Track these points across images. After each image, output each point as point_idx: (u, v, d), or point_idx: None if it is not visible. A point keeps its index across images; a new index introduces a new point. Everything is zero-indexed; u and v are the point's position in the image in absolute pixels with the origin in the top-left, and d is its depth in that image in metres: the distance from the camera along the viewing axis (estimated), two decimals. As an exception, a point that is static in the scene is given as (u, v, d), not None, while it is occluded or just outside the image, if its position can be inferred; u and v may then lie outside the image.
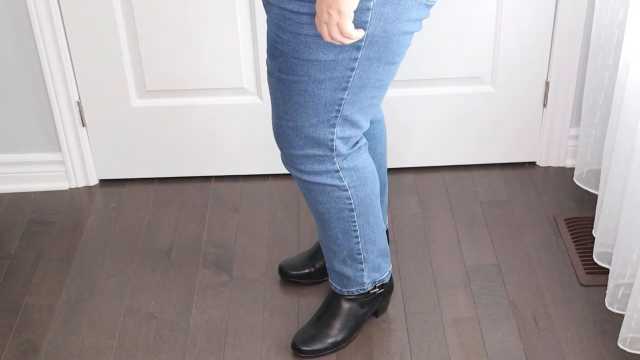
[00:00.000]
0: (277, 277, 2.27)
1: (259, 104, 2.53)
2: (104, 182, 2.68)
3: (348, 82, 1.67)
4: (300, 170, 1.82)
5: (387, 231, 2.24)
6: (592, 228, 2.33)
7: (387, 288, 2.10)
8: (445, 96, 2.56)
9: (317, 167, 1.80)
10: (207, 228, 2.46)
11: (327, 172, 1.81)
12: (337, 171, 1.81)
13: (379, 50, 1.64)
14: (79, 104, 2.53)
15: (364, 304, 2.06)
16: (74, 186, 2.66)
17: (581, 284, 2.21)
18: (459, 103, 2.57)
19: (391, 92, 2.54)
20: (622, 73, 2.04)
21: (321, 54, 1.62)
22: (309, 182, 1.83)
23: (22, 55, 2.44)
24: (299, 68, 1.65)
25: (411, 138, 2.62)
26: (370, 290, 2.05)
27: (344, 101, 1.70)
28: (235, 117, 2.55)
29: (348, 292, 2.03)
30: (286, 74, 1.67)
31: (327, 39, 1.56)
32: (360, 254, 1.97)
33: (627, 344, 1.95)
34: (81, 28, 2.40)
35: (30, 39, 2.41)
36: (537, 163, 2.69)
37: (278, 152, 2.60)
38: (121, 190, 2.64)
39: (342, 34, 1.54)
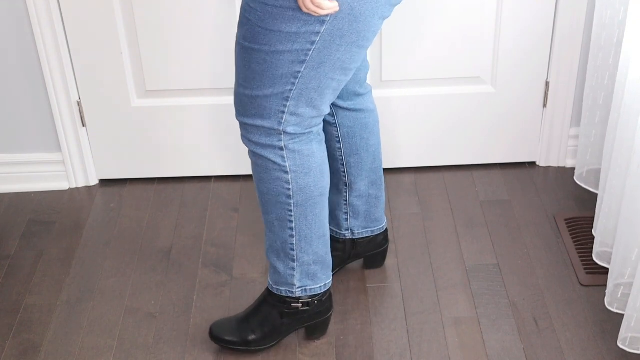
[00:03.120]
0: (277, 277, 2.27)
1: (259, 104, 2.53)
2: (104, 182, 2.69)
3: (307, 55, 1.69)
4: (249, 140, 1.84)
5: (386, 230, 2.24)
6: (592, 228, 2.33)
7: (320, 307, 2.02)
8: (445, 96, 2.56)
9: (263, 139, 1.81)
10: (207, 228, 2.46)
11: (272, 147, 1.82)
12: (282, 149, 1.82)
13: (343, 27, 1.66)
14: (79, 104, 2.53)
15: (284, 315, 2.00)
16: (74, 186, 2.66)
17: (581, 284, 2.21)
18: (459, 103, 2.57)
19: (391, 92, 2.54)
20: (622, 73, 2.04)
21: (285, 26, 1.65)
22: (255, 154, 1.85)
23: (22, 55, 2.44)
24: (262, 37, 1.68)
25: (411, 138, 2.62)
26: (299, 297, 1.99)
27: (300, 75, 1.72)
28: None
29: (277, 290, 1.99)
30: (249, 41, 1.71)
31: (303, 9, 1.60)
32: (294, 250, 1.94)
33: (627, 344, 1.95)
34: (81, 28, 2.40)
35: (30, 39, 2.41)
36: (537, 163, 2.69)
37: (278, 152, 2.60)
38: (121, 190, 2.65)
39: (313, 3, 1.58)
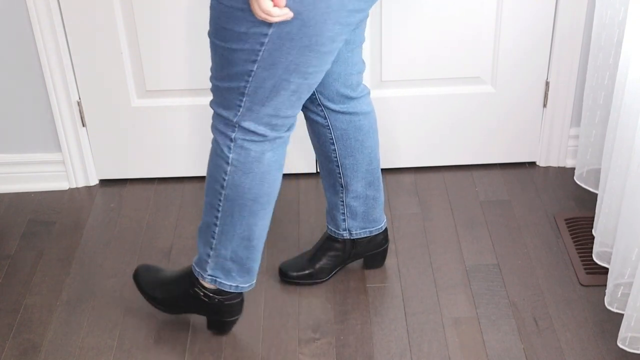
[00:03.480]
0: (277, 277, 2.27)
1: (259, 104, 2.53)
2: (104, 182, 2.69)
3: (257, 55, 1.72)
4: (213, 125, 1.89)
5: (386, 230, 2.24)
6: (592, 228, 2.33)
7: (223, 307, 2.05)
8: (445, 96, 2.56)
9: (221, 127, 1.86)
10: (207, 228, 2.46)
11: (225, 136, 1.86)
12: (231, 140, 1.85)
13: (292, 31, 1.67)
14: (79, 104, 2.53)
15: (187, 293, 2.06)
16: (74, 186, 2.67)
17: (581, 284, 2.21)
18: (459, 103, 2.57)
19: (391, 92, 2.54)
20: (622, 73, 2.04)
21: (235, 25, 1.69)
22: (214, 136, 1.89)
23: (22, 55, 2.44)
24: (219, 33, 1.73)
25: (411, 138, 2.62)
26: (206, 286, 2.02)
27: (253, 73, 1.74)
28: (235, 117, 2.55)
29: (193, 267, 2.03)
30: (212, 36, 1.77)
31: (255, 14, 1.64)
32: (214, 239, 1.96)
33: (627, 343, 1.95)
34: (81, 28, 2.40)
35: (30, 39, 2.41)
36: (537, 163, 2.69)
37: (278, 152, 2.60)
38: (121, 190, 2.65)
39: (262, 10, 1.61)
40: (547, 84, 2.54)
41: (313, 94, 1.99)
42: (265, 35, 1.68)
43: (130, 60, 2.47)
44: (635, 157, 1.87)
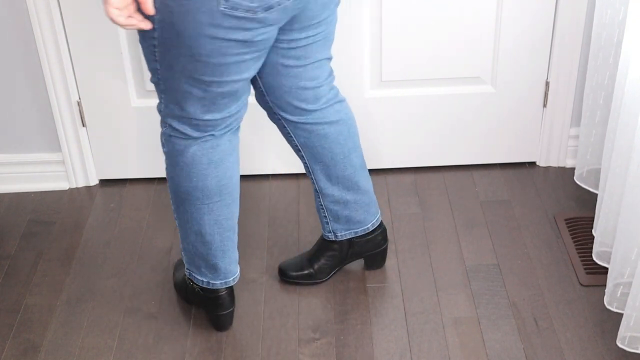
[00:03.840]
0: (277, 277, 2.27)
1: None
2: (104, 182, 2.69)
3: (155, 55, 1.75)
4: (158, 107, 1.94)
5: (384, 230, 2.23)
6: (592, 228, 2.33)
7: (205, 299, 2.09)
8: (445, 96, 2.56)
9: (160, 119, 1.93)
10: (207, 228, 2.46)
11: (161, 127, 1.92)
12: (163, 134, 1.92)
13: (171, 38, 1.69)
14: (79, 104, 2.53)
15: (185, 279, 2.15)
16: (74, 186, 2.67)
17: (581, 284, 2.21)
18: (459, 103, 2.57)
19: (391, 92, 2.54)
20: (622, 73, 2.04)
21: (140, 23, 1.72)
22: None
23: (23, 55, 2.44)
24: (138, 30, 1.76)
25: (411, 138, 2.62)
26: (188, 277, 2.11)
27: (159, 71, 1.78)
28: (235, 117, 2.55)
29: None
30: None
31: None
32: (179, 233, 2.04)
33: (626, 343, 1.95)
34: (81, 28, 2.40)
35: (30, 39, 2.41)
36: (537, 163, 2.69)
37: (278, 152, 2.60)
38: (121, 190, 2.65)
39: (106, 12, 1.65)
40: (547, 84, 2.54)
41: (267, 102, 1.99)
42: (154, 38, 1.71)
43: (130, 60, 2.47)
44: (635, 157, 1.87)
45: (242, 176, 2.67)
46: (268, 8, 1.67)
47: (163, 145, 1.93)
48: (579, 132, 2.46)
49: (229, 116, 1.87)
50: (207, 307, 2.09)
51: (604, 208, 2.14)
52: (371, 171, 2.66)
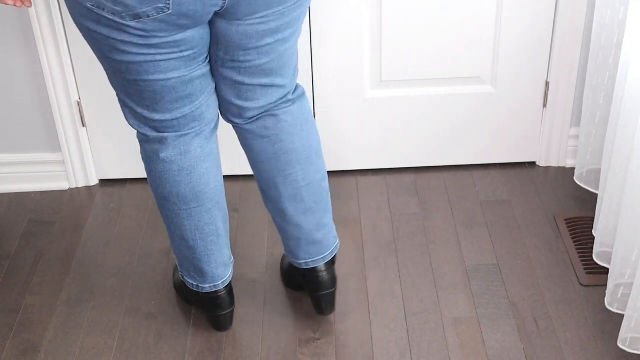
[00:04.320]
0: (277, 277, 2.27)
1: (259, 104, 2.53)
2: (104, 182, 2.69)
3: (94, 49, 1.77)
4: None
5: (327, 274, 2.06)
6: (592, 228, 2.33)
7: (200, 300, 2.08)
8: (445, 96, 2.56)
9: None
10: (207, 228, 2.46)
11: (132, 127, 1.92)
12: (137, 137, 1.93)
13: (80, 32, 1.73)
14: (79, 104, 2.53)
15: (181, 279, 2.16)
16: (74, 186, 2.67)
17: (581, 284, 2.21)
18: (459, 103, 2.57)
19: (391, 92, 2.54)
20: (622, 72, 2.04)
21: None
22: None
23: (22, 55, 2.44)
24: None
25: (411, 138, 2.62)
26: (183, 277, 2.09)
27: (106, 67, 1.80)
28: (235, 117, 2.55)
29: None
30: None
31: None
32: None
33: (627, 344, 1.95)
34: (81, 28, 2.40)
35: (30, 39, 2.41)
36: (537, 163, 2.69)
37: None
38: (121, 190, 2.65)
39: None
40: (547, 84, 2.54)
41: None
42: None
43: (130, 60, 2.47)
44: (635, 158, 1.87)
45: (241, 176, 2.67)
46: (135, 17, 1.62)
47: (140, 152, 1.94)
48: (579, 132, 2.46)
49: (183, 117, 1.83)
50: (206, 307, 2.08)
51: (604, 208, 2.14)
52: (371, 171, 2.66)
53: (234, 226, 2.46)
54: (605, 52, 2.22)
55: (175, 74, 1.75)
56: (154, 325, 2.14)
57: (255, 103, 1.88)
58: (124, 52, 1.70)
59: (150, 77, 1.75)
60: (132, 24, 1.63)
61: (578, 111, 2.57)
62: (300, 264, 2.06)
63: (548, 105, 2.57)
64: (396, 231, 2.42)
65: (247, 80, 1.83)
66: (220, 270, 2.01)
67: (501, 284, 2.23)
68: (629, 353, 1.99)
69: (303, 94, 1.96)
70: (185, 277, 2.06)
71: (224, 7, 1.66)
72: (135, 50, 1.69)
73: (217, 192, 1.94)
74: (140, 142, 1.91)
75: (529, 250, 2.33)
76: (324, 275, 2.05)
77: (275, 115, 1.91)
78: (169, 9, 1.61)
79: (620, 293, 2.03)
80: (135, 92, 1.79)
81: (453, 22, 2.43)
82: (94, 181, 2.68)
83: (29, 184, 2.65)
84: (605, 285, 2.17)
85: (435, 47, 2.47)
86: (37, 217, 2.55)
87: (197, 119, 1.85)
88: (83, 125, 2.57)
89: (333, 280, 2.06)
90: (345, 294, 2.21)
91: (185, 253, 1.99)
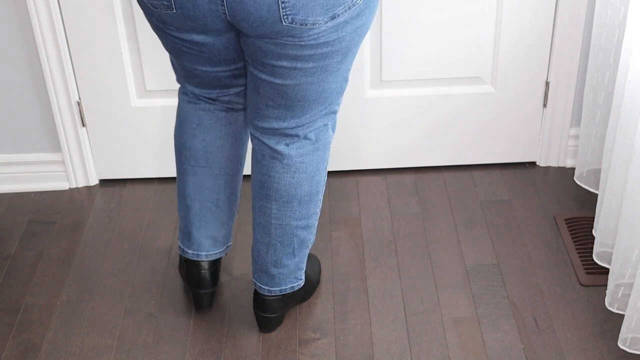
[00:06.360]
0: (277, 277, 2.27)
1: (259, 104, 2.53)
2: (104, 182, 2.69)
3: None
4: None
5: (276, 301, 2.06)
6: (592, 228, 2.33)
7: (185, 268, 2.15)
8: (445, 96, 2.56)
9: None
10: (207, 228, 2.46)
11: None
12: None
13: None
14: (79, 104, 2.53)
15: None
16: (74, 186, 2.67)
17: (581, 284, 2.21)
18: (459, 103, 2.57)
19: (391, 92, 2.54)
20: (622, 72, 2.04)
21: None
22: None
23: (22, 55, 2.44)
24: None
25: (411, 138, 2.62)
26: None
27: None
28: (235, 117, 2.55)
29: None
30: None
31: None
32: None
33: (627, 344, 1.95)
34: (81, 28, 2.40)
35: (30, 39, 2.41)
36: (537, 163, 2.69)
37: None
38: (121, 190, 2.65)
39: None
40: (547, 84, 2.54)
41: None
42: None
43: (130, 60, 2.47)
44: (635, 158, 1.87)
45: (244, 176, 2.67)
46: (153, 6, 1.68)
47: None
48: (579, 132, 2.46)
49: (214, 96, 1.91)
50: (189, 281, 2.12)
51: (604, 208, 2.14)
52: (371, 171, 2.66)
53: (234, 226, 2.46)
54: (605, 52, 2.22)
55: (199, 67, 1.81)
56: (154, 325, 2.14)
57: (262, 121, 1.86)
58: (156, 28, 1.78)
59: (178, 60, 1.83)
60: (155, 11, 1.70)
61: (578, 111, 2.57)
62: (253, 280, 2.06)
63: (548, 105, 2.57)
64: (396, 231, 2.42)
65: (263, 91, 1.79)
66: (207, 242, 2.04)
67: (501, 284, 2.23)
68: (629, 353, 1.99)
69: (318, 147, 1.89)
70: (178, 238, 2.12)
71: (227, 19, 1.65)
72: (161, 34, 1.78)
73: (229, 163, 1.97)
74: (179, 90, 2.00)
75: (529, 250, 2.33)
76: (268, 301, 2.05)
77: (272, 149, 1.88)
78: (173, 9, 1.64)
79: (620, 293, 2.03)
80: (173, 61, 1.90)
81: (453, 22, 2.43)
82: (94, 181, 2.68)
83: (29, 184, 2.65)
84: (605, 285, 2.17)
85: (435, 47, 2.47)
86: (37, 217, 2.55)
87: (227, 102, 1.93)
88: (83, 125, 2.57)
89: (274, 308, 2.06)
90: (345, 294, 2.21)
91: (182, 212, 2.05)
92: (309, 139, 1.88)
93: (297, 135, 1.86)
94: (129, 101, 2.53)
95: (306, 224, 1.96)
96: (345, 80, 1.83)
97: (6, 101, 2.51)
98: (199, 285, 2.10)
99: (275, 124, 1.84)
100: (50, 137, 2.59)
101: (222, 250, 2.10)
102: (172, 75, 2.48)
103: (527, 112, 2.59)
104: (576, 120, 2.59)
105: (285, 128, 1.85)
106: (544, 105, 2.58)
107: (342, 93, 1.86)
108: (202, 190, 1.99)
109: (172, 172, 2.66)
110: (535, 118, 2.60)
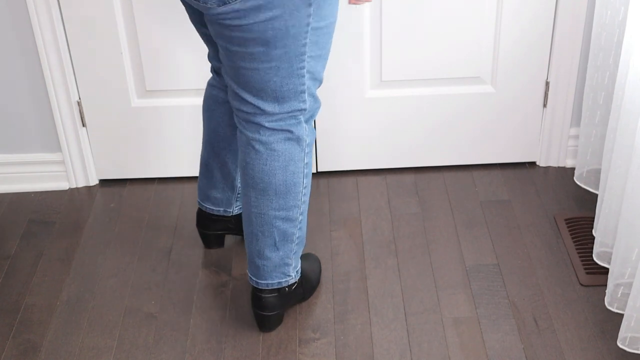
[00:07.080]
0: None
1: (259, 104, 2.53)
2: (104, 182, 2.69)
3: None
4: None
5: (271, 299, 2.07)
6: (592, 228, 2.33)
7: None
8: (445, 96, 2.56)
9: None
10: (207, 228, 2.46)
11: None
12: None
13: None
14: (79, 104, 2.53)
15: None
16: (74, 186, 2.67)
17: (581, 284, 2.21)
18: (459, 103, 2.57)
19: (391, 92, 2.54)
20: (622, 72, 2.04)
21: None
22: None
23: (22, 55, 2.44)
24: None
25: (411, 138, 2.62)
26: None
27: None
28: (235, 117, 2.55)
29: None
30: None
31: None
32: None
33: (627, 344, 1.95)
34: (81, 28, 2.40)
35: (30, 39, 2.41)
36: (537, 163, 2.69)
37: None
38: (121, 190, 2.64)
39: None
40: (547, 83, 2.54)
41: None
42: None
43: (130, 60, 2.47)
44: (635, 158, 1.87)
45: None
46: None
47: None
48: (579, 132, 2.46)
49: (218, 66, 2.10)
50: (197, 221, 2.36)
51: (604, 208, 2.14)
52: (371, 171, 2.66)
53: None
54: (605, 52, 2.22)
55: (198, 30, 2.02)
56: (154, 325, 2.14)
57: (231, 98, 1.95)
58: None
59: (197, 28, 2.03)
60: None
61: (578, 111, 2.57)
62: (251, 277, 2.07)
63: (548, 105, 2.57)
64: (396, 231, 2.42)
65: (226, 63, 1.88)
66: (201, 196, 2.28)
67: (501, 284, 2.23)
68: (629, 353, 1.99)
69: (289, 137, 1.91)
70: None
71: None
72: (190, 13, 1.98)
73: (216, 137, 2.16)
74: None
75: (529, 250, 2.33)
76: (264, 298, 2.05)
77: (247, 136, 1.92)
78: None
79: (620, 293, 2.03)
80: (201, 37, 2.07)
81: (453, 22, 2.43)
82: (94, 181, 2.68)
83: (29, 184, 2.65)
84: (605, 285, 2.17)
85: (435, 47, 2.47)
86: (37, 217, 2.55)
87: (215, 64, 2.12)
88: (83, 125, 2.57)
89: (272, 306, 2.06)
90: (345, 294, 2.21)
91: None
92: (279, 130, 1.91)
93: (262, 125, 1.90)
94: (129, 101, 2.53)
95: (286, 216, 1.97)
96: (301, 81, 1.84)
97: (6, 101, 2.51)
98: (204, 227, 2.34)
99: (237, 104, 1.91)
100: (50, 137, 2.59)
101: (219, 209, 2.28)
102: (172, 76, 2.49)
103: (527, 112, 2.59)
104: (576, 120, 2.59)
105: (246, 113, 1.90)
106: (544, 105, 2.58)
107: (305, 93, 1.87)
108: (205, 143, 2.20)
109: (172, 172, 2.66)
110: (535, 118, 2.60)
